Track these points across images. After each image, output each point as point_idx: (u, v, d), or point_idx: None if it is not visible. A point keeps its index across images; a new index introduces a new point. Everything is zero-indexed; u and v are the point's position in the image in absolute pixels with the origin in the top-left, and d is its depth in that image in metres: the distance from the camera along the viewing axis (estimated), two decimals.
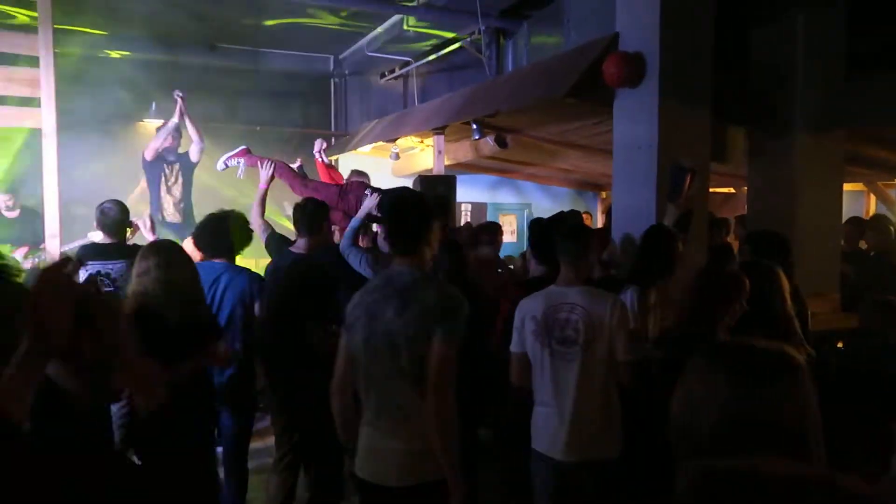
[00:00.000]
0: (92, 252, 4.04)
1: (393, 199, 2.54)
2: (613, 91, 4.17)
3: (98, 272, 3.93)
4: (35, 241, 6.20)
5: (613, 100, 4.20)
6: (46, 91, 5.16)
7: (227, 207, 3.97)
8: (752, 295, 2.72)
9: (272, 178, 5.16)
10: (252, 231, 4.09)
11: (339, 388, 2.38)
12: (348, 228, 4.13)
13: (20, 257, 5.63)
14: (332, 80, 9.43)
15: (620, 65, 4.00)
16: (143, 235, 4.84)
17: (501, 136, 6.24)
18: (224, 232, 3.77)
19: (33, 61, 5.22)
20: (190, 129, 6.34)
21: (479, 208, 9.29)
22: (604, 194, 9.74)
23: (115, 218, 4.12)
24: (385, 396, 2.25)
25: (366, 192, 4.74)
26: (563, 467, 2.80)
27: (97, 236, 5.04)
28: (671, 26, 3.89)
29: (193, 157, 6.44)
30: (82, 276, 3.88)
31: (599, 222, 9.41)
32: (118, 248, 4.06)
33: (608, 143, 4.47)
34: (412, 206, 2.38)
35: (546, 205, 9.69)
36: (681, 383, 1.11)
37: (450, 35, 7.21)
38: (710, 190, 4.42)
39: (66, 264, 1.12)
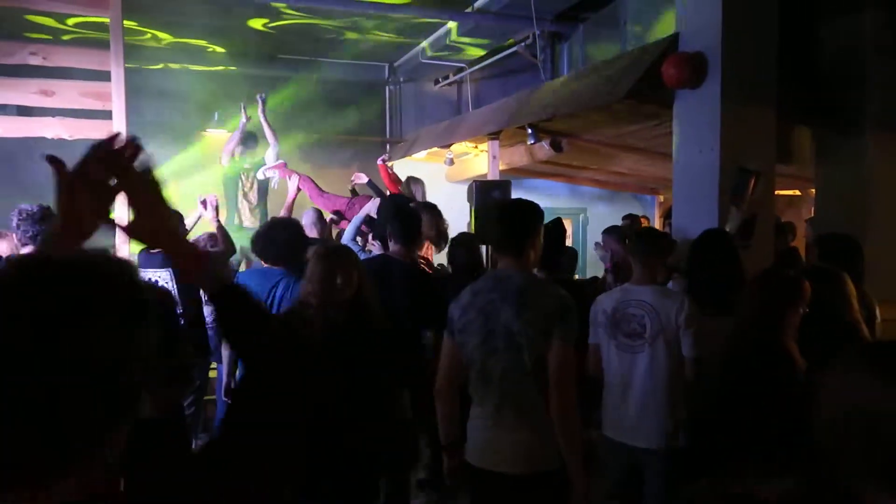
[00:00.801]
0: (142, 261, 4.18)
1: (500, 205, 2.77)
2: (673, 93, 4.09)
3: (148, 279, 4.05)
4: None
5: (673, 102, 4.12)
6: (117, 104, 5.37)
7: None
8: (815, 300, 2.65)
9: (298, 190, 6.01)
10: (305, 238, 4.14)
11: (447, 388, 2.53)
12: (349, 225, 4.79)
13: None
14: (387, 88, 9.53)
15: (680, 65, 3.92)
16: (206, 219, 5.02)
17: (557, 140, 6.20)
18: (281, 240, 3.78)
19: (104, 75, 5.45)
20: (267, 132, 6.48)
21: None
22: (661, 197, 9.55)
23: None
24: (506, 393, 2.38)
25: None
26: (633, 452, 2.96)
27: None
28: (733, 24, 3.80)
29: (269, 159, 6.57)
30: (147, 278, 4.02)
31: (657, 226, 9.23)
32: (150, 256, 4.15)
33: (667, 146, 4.39)
34: (519, 210, 2.52)
35: (601, 209, 9.57)
36: (823, 393, 1.01)
37: (508, 43, 7.19)
38: (776, 192, 4.28)
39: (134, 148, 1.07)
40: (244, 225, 6.50)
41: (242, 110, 6.44)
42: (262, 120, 6.47)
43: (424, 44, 8.06)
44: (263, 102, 6.46)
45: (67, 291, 0.75)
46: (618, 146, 6.47)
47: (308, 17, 7.10)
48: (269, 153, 6.56)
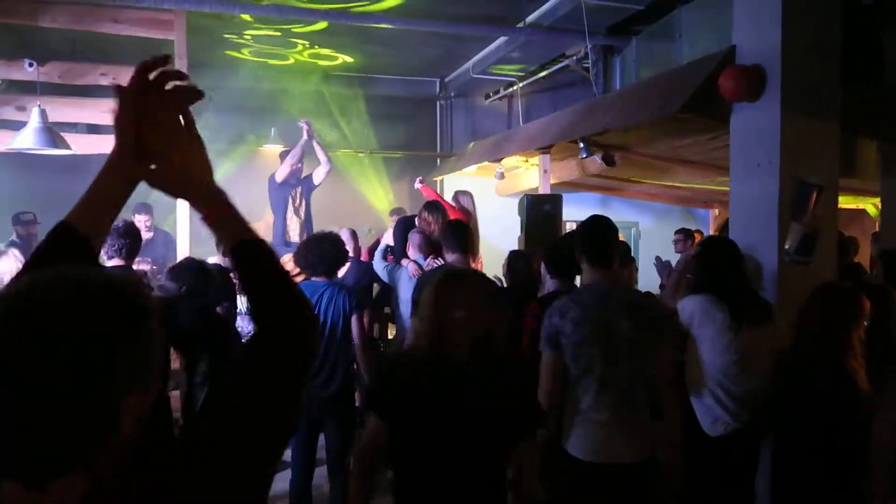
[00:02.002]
0: None
1: (593, 223, 2.83)
2: (730, 106, 4.01)
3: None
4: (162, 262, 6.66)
5: (730, 115, 4.04)
6: None
7: (340, 226, 4.14)
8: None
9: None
10: (346, 254, 4.26)
11: (552, 398, 2.62)
12: (377, 252, 5.00)
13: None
14: (437, 103, 9.62)
15: (738, 78, 3.85)
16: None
17: (609, 153, 6.15)
18: (323, 252, 3.91)
19: None
20: (318, 152, 6.62)
21: None
22: (716, 211, 9.35)
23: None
24: (625, 396, 2.60)
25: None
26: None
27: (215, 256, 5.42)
28: (793, 35, 3.71)
29: (317, 179, 6.69)
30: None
31: None
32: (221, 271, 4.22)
33: (723, 160, 4.31)
34: (609, 228, 2.76)
35: (654, 223, 9.43)
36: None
37: (560, 57, 7.19)
38: (839, 207, 4.15)
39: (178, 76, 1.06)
40: (292, 240, 6.62)
41: (304, 129, 6.58)
42: (314, 143, 6.60)
43: (475, 59, 8.12)
44: (310, 126, 6.59)
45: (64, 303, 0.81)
46: (671, 159, 6.38)
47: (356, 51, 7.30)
48: (319, 171, 6.68)
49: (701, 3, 5.35)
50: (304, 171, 6.73)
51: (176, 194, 1.07)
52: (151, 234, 7.00)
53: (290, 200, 6.62)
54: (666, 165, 6.72)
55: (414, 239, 4.83)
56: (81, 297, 0.82)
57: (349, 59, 8.27)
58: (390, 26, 6.61)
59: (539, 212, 6.02)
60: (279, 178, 6.57)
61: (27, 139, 4.60)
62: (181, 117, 1.06)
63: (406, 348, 2.79)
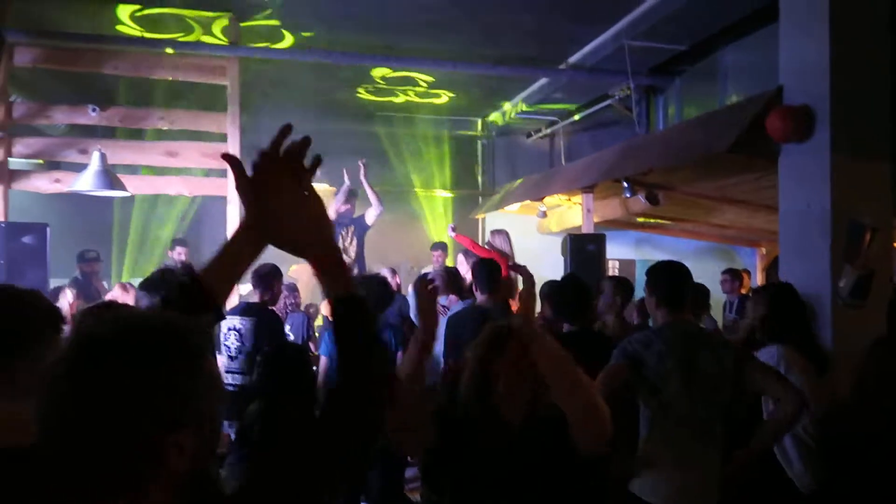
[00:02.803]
0: (235, 308, 4.38)
1: (669, 268, 2.91)
2: (778, 146, 3.98)
3: (232, 326, 4.21)
4: None
5: (778, 155, 4.01)
6: None
7: (383, 264, 4.19)
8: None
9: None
10: (393, 293, 4.33)
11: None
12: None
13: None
14: (479, 142, 9.73)
15: (786, 119, 3.82)
16: None
17: (653, 193, 6.12)
18: (369, 290, 3.98)
19: (219, 136, 5.88)
20: (370, 194, 6.70)
21: (627, 265, 9.06)
22: (763, 250, 9.18)
23: (263, 273, 4.34)
24: (704, 433, 2.62)
25: None
26: None
27: (245, 289, 5.56)
28: (842, 75, 3.68)
29: (369, 220, 6.76)
30: (223, 330, 4.18)
31: (758, 280, 8.85)
32: (251, 307, 4.28)
33: (770, 199, 4.25)
34: (685, 273, 2.86)
35: (699, 261, 9.26)
36: None
37: (602, 96, 7.23)
38: (895, 247, 4.05)
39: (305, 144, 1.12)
40: None
41: (345, 173, 6.70)
42: (365, 184, 6.69)
43: (517, 98, 8.22)
44: (365, 167, 6.71)
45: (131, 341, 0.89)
46: (717, 198, 6.32)
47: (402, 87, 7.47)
48: (371, 212, 6.76)
49: (745, 43, 5.35)
50: (356, 211, 6.84)
51: (300, 254, 1.13)
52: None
53: (340, 239, 6.72)
54: (711, 204, 6.66)
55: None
56: (137, 337, 0.89)
57: (394, 99, 8.44)
58: (435, 69, 6.76)
59: (583, 251, 6.01)
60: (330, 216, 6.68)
61: (88, 181, 4.81)
62: (301, 180, 1.12)
63: (449, 398, 2.74)
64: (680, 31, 5.54)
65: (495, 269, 4.44)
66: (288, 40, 6.17)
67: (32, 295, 1.47)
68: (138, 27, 5.79)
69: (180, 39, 6.02)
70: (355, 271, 6.65)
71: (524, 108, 8.22)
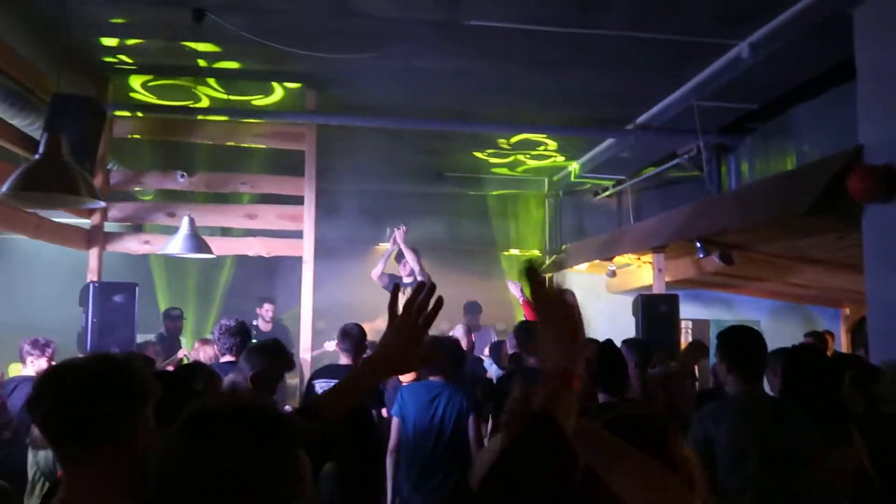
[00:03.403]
0: (323, 371, 4.49)
1: (741, 333, 2.86)
2: (860, 206, 3.88)
3: (323, 389, 4.29)
4: None
5: (860, 214, 3.90)
6: (308, 225, 5.99)
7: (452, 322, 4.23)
8: None
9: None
10: (463, 354, 4.34)
11: None
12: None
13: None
14: (546, 200, 9.78)
15: (868, 179, 3.74)
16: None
17: (727, 252, 6.00)
18: (439, 355, 3.95)
19: (297, 199, 6.12)
20: (410, 260, 6.75)
21: (700, 325, 8.82)
22: (847, 310, 8.78)
23: (358, 338, 4.43)
24: None
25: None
26: None
27: (331, 346, 5.66)
28: None
29: (416, 270, 6.80)
30: (319, 387, 4.26)
31: (843, 344, 8.45)
32: (342, 370, 4.34)
33: (852, 258, 4.12)
34: (758, 339, 2.80)
35: (778, 322, 8.94)
36: None
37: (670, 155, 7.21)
38: None
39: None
40: None
41: (390, 237, 6.81)
42: (404, 248, 6.70)
43: (584, 158, 8.28)
44: (403, 233, 6.75)
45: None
46: (795, 258, 6.15)
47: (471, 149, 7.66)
48: (412, 260, 6.77)
49: (820, 101, 5.28)
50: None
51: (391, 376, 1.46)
52: (270, 326, 7.39)
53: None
54: (788, 264, 6.47)
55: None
56: (241, 424, 1.03)
57: (462, 160, 8.63)
58: (506, 132, 6.90)
59: (655, 312, 5.92)
60: (374, 276, 6.79)
61: (178, 245, 5.09)
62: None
63: None
64: (750, 90, 5.51)
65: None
66: (364, 107, 6.43)
67: (128, 368, 1.50)
68: (222, 90, 6.12)
69: (260, 104, 6.36)
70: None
71: (591, 167, 8.26)
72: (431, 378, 4.02)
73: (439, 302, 1.41)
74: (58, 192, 3.05)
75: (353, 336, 4.35)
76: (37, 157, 3.14)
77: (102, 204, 4.34)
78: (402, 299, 1.49)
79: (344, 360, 4.39)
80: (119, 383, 1.44)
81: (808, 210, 3.98)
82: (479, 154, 8.18)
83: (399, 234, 6.77)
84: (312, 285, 5.93)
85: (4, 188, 2.98)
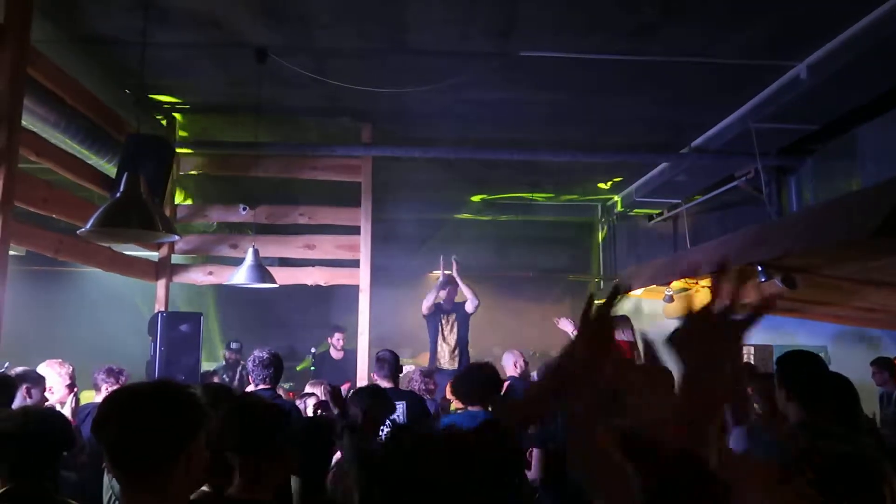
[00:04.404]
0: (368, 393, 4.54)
1: (802, 358, 2.86)
2: None
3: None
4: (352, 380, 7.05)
5: None
6: (364, 254, 6.11)
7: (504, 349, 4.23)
8: None
9: None
10: (501, 381, 4.27)
11: None
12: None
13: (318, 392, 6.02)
14: (599, 225, 9.73)
15: None
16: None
17: (790, 276, 5.84)
18: (479, 381, 3.92)
19: (353, 229, 6.25)
20: (464, 290, 6.81)
21: (762, 350, 8.56)
22: None
23: (396, 364, 4.67)
24: None
25: None
26: None
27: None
28: None
29: (469, 309, 6.89)
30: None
31: None
32: (401, 393, 4.49)
33: None
34: (821, 364, 2.80)
35: (845, 347, 8.63)
36: None
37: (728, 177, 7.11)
38: None
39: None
40: (442, 366, 6.74)
41: (441, 268, 6.87)
42: (459, 280, 6.78)
43: (638, 183, 8.22)
44: (457, 264, 6.82)
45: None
46: (862, 281, 5.93)
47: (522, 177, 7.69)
48: (469, 305, 6.83)
49: (882, 120, 5.15)
50: (458, 296, 6.97)
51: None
52: (342, 354, 7.49)
53: (440, 328, 6.81)
54: (854, 287, 6.24)
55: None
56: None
57: (515, 187, 8.68)
58: (558, 160, 6.93)
59: None
60: (424, 310, 6.84)
61: (243, 275, 5.26)
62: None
63: None
64: (810, 111, 5.41)
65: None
66: (417, 138, 6.57)
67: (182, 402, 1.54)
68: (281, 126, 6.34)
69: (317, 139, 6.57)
70: (455, 363, 6.70)
71: (646, 192, 8.19)
72: (470, 408, 3.91)
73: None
74: (138, 228, 3.23)
75: (388, 362, 4.56)
76: (118, 195, 3.33)
77: (178, 238, 4.54)
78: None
79: (384, 384, 4.50)
80: (176, 410, 1.49)
81: (876, 231, 3.87)
82: (528, 182, 8.22)
83: (453, 266, 6.82)
84: (369, 313, 6.02)
85: (89, 224, 3.18)
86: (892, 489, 1.15)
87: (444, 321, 6.90)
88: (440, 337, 6.90)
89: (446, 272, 6.94)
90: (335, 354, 7.47)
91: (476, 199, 8.99)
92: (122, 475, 1.48)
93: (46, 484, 2.10)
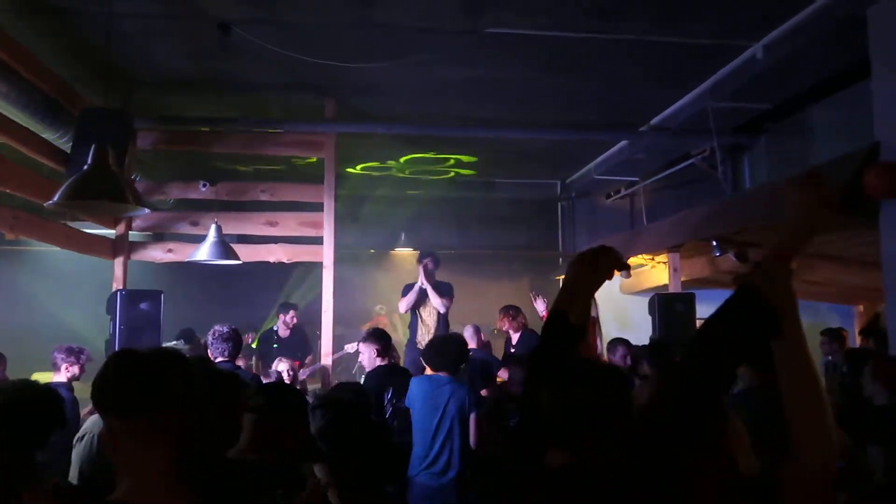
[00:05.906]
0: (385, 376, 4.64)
1: None
2: (877, 203, 3.95)
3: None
4: (300, 358, 7.02)
5: (877, 212, 3.97)
6: (328, 231, 6.09)
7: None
8: None
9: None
10: (468, 351, 4.68)
11: None
12: None
13: (284, 369, 5.87)
14: (558, 204, 9.86)
15: (884, 176, 3.81)
16: None
17: (743, 251, 6.07)
18: (447, 350, 4.42)
19: (317, 206, 6.21)
20: (432, 296, 6.47)
21: None
22: (861, 307, 8.83)
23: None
24: None
25: None
26: None
27: (351, 347, 5.79)
28: None
29: (441, 309, 6.57)
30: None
31: (856, 341, 8.47)
32: (391, 370, 4.67)
33: (866, 255, 4.18)
34: None
35: None
36: None
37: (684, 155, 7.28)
38: None
39: None
40: (421, 346, 6.74)
41: (420, 270, 6.60)
42: (427, 286, 6.43)
43: (597, 160, 8.35)
44: (426, 269, 6.48)
45: None
46: (810, 255, 6.20)
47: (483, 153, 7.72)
48: (440, 308, 6.59)
49: (834, 100, 5.35)
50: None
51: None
52: (288, 332, 7.44)
53: (420, 319, 6.71)
54: (805, 261, 6.51)
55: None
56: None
57: (474, 164, 8.72)
58: (517, 137, 6.98)
59: (672, 312, 5.99)
60: (402, 309, 6.68)
61: (206, 252, 5.19)
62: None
63: None
64: (764, 91, 5.59)
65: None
66: (382, 115, 6.54)
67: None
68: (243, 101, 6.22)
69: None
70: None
71: (604, 169, 8.33)
72: (439, 373, 4.33)
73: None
74: (109, 200, 3.16)
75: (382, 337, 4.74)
76: (86, 167, 3.24)
77: (147, 211, 4.43)
78: None
79: (379, 361, 4.64)
80: (177, 372, 1.44)
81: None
82: (490, 158, 8.27)
83: (422, 273, 6.44)
84: (332, 291, 6.01)
85: (56, 197, 3.09)
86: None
87: (422, 312, 6.82)
88: (419, 320, 6.83)
89: (422, 285, 6.64)
90: (282, 332, 7.42)
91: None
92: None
93: (34, 459, 2.09)
